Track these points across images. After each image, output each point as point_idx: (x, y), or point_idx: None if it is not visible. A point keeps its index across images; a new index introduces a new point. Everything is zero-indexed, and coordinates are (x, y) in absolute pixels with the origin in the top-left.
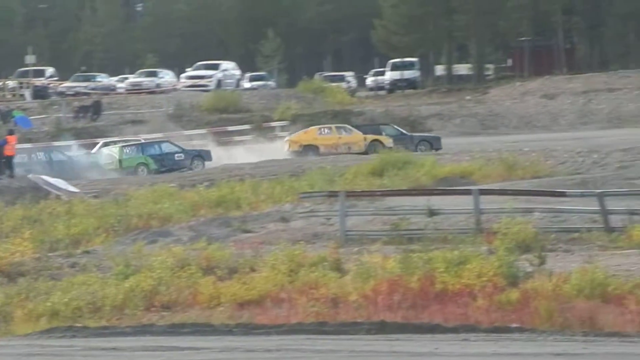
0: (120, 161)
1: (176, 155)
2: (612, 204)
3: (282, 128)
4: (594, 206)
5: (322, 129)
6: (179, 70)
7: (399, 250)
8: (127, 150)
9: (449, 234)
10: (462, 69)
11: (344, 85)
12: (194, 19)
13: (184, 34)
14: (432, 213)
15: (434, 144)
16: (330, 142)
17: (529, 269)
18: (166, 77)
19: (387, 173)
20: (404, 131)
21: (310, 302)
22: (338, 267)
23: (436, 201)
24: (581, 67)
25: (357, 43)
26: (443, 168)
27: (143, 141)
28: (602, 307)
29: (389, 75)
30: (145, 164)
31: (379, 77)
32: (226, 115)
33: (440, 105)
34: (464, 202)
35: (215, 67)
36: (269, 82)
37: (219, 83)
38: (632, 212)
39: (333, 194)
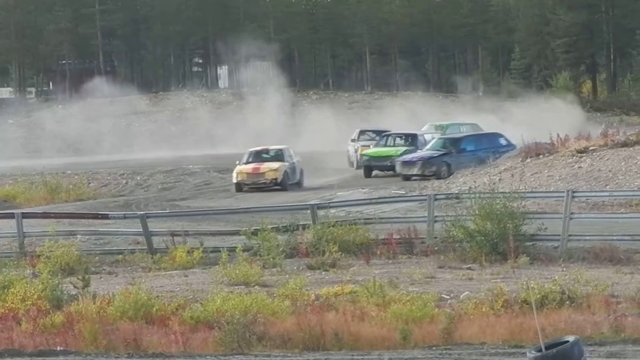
0: None
1: None
2: (154, 226)
3: None
4: (137, 228)
5: None
6: None
7: None
8: None
9: None
10: (4, 92)
11: None
12: None
13: None
14: None
15: None
16: None
17: (74, 292)
18: None
19: None
20: None
21: None
22: None
23: None
24: (123, 89)
25: None
26: None
27: None
28: (146, 329)
29: None
30: None
31: None
32: None
33: None
34: (7, 226)
35: None
36: None
37: None
38: (173, 234)
39: None
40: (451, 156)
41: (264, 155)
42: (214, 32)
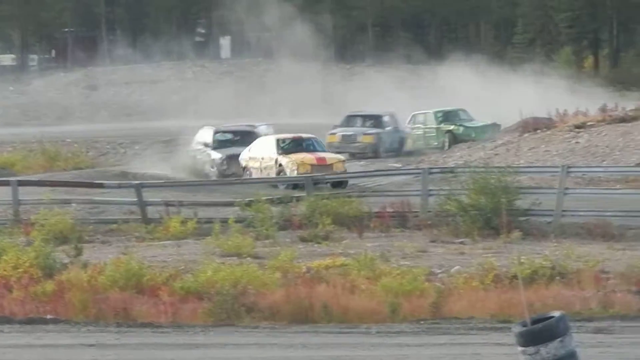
0: None
1: None
2: (149, 196)
3: None
4: (132, 197)
5: None
6: None
7: None
8: None
9: None
10: (6, 59)
11: None
12: None
13: None
14: None
15: None
16: None
17: (66, 260)
18: None
19: None
20: None
21: None
22: None
23: None
24: (125, 58)
25: None
26: None
27: None
28: (136, 298)
29: None
30: None
31: None
32: None
33: None
34: (3, 193)
35: None
36: None
37: None
38: (168, 204)
39: None
40: None
41: (304, 144)
42: (216, 2)
